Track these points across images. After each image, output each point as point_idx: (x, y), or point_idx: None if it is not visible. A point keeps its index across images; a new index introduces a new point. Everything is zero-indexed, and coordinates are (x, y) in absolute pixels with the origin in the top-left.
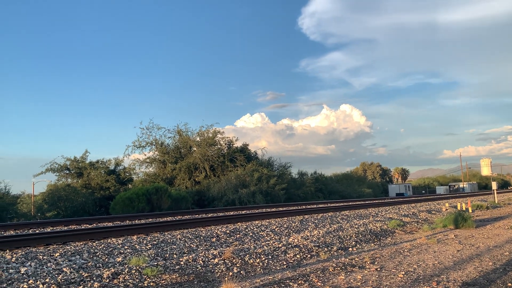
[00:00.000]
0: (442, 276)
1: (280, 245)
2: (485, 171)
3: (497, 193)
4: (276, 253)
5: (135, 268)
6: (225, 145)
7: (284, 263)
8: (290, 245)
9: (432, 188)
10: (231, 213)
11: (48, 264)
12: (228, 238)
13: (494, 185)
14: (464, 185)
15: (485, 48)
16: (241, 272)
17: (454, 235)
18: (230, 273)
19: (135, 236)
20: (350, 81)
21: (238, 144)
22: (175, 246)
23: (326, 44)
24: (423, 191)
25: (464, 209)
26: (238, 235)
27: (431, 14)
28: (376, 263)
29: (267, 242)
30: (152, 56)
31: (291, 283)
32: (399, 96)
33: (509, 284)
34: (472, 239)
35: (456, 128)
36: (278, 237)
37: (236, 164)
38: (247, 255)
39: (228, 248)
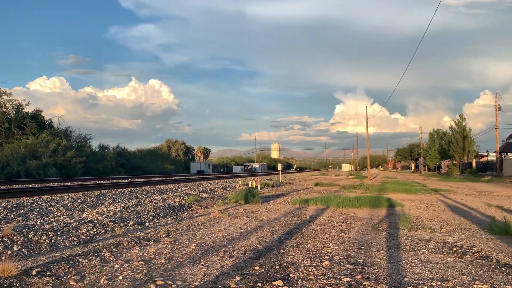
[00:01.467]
0: (229, 246)
1: (72, 221)
2: (274, 154)
3: (282, 173)
4: (67, 229)
5: None
6: (12, 109)
7: (75, 239)
8: (83, 221)
9: (229, 167)
10: (15, 186)
11: None
12: (9, 214)
13: (279, 167)
14: (257, 166)
15: (285, 45)
16: (23, 250)
17: (244, 210)
18: (9, 252)
19: None
20: (162, 56)
21: (30, 109)
22: None
23: (139, 15)
24: (222, 170)
25: (254, 186)
26: (22, 211)
27: (242, 4)
28: (171, 236)
29: (57, 218)
30: None
31: (80, 259)
32: (207, 78)
33: (282, 251)
34: (258, 213)
35: (254, 114)
36: (71, 213)
37: (26, 132)
38: (32, 232)
39: (8, 224)
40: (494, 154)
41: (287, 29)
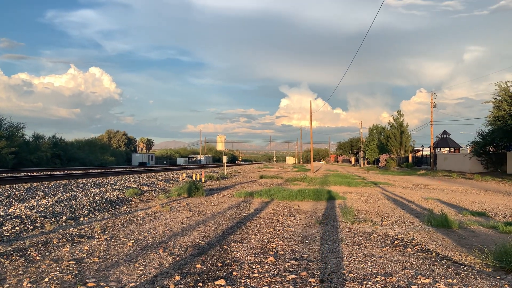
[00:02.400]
0: (169, 243)
1: None
2: (220, 146)
3: (227, 166)
4: None
5: None
6: None
7: None
8: (9, 216)
9: (173, 159)
10: None
11: None
12: None
13: (225, 159)
14: (201, 158)
15: (232, 37)
16: None
17: (186, 203)
18: None
19: None
20: (103, 43)
21: None
22: None
23: None
24: (165, 162)
25: (198, 179)
26: None
27: None
28: (107, 232)
29: None
30: None
31: (2, 260)
32: (151, 68)
33: (225, 247)
34: (201, 207)
35: (199, 105)
36: None
37: None
38: None
39: None
40: (429, 149)
41: (234, 21)
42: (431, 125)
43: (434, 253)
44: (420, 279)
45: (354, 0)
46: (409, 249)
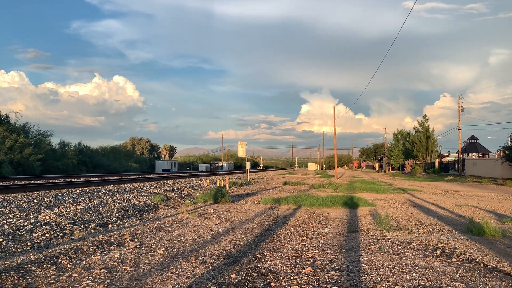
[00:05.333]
0: (200, 251)
1: (26, 223)
2: (241, 152)
3: (250, 172)
4: (20, 233)
5: None
6: None
7: (29, 244)
8: (39, 223)
9: (196, 166)
10: None
11: None
12: None
13: (247, 165)
14: (223, 164)
15: (252, 44)
16: None
17: (213, 210)
18: None
19: None
20: (126, 53)
21: None
22: None
23: (103, 10)
24: (188, 168)
25: (222, 185)
26: None
27: (209, 1)
28: (136, 239)
29: (9, 220)
30: None
31: (33, 268)
32: (174, 76)
33: (258, 255)
34: (228, 213)
35: (220, 112)
36: (25, 214)
37: None
38: None
39: None
40: (456, 154)
41: (254, 29)
42: (459, 129)
43: (481, 264)
44: None
45: (375, 5)
46: (453, 259)
